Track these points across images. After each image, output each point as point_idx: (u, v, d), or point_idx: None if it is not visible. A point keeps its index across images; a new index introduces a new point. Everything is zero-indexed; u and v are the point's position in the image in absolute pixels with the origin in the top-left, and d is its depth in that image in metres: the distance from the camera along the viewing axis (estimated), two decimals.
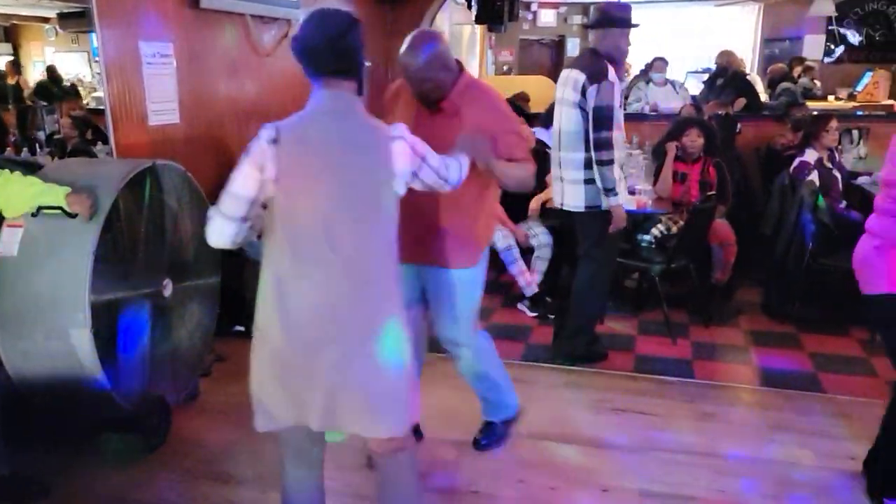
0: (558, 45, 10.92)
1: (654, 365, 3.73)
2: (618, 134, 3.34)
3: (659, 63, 8.11)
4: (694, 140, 4.54)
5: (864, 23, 10.80)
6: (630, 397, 3.33)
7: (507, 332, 4.17)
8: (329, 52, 1.75)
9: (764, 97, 8.38)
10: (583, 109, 3.30)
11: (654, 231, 4.44)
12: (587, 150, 3.33)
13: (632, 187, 4.56)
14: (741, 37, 11.16)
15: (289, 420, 1.84)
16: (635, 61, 8.97)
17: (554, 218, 4.24)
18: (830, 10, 8.63)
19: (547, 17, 10.35)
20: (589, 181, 3.36)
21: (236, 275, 3.42)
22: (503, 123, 2.40)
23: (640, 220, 4.58)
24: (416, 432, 2.81)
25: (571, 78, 3.37)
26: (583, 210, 3.42)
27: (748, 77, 6.77)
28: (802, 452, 2.85)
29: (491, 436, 2.88)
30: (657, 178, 4.65)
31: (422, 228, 2.39)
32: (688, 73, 9.30)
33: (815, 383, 3.53)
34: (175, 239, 3.03)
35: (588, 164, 3.34)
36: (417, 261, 2.45)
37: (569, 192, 3.46)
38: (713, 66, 7.60)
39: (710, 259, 4.42)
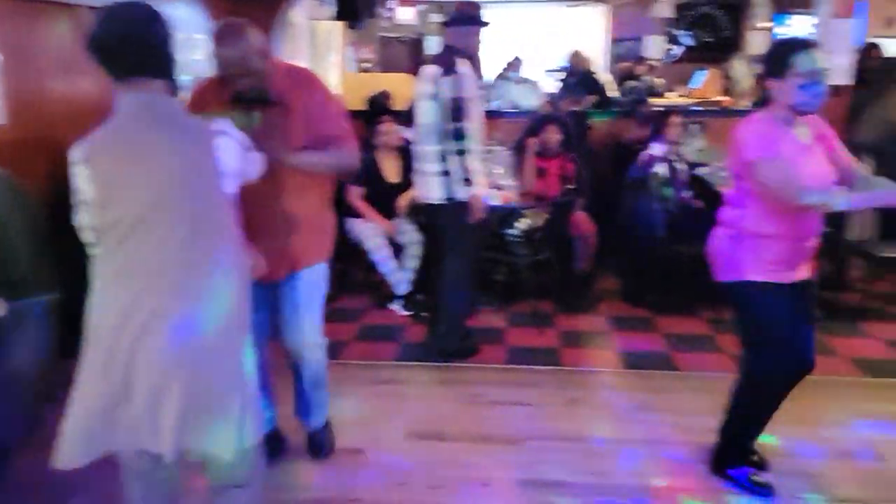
0: (418, 42, 10.98)
1: (525, 355, 3.84)
2: (476, 126, 3.39)
3: (516, 62, 8.40)
4: (553, 136, 4.71)
5: (696, 25, 11.73)
6: (504, 389, 3.40)
7: (379, 333, 4.13)
8: (128, 50, 1.61)
9: (615, 94, 8.90)
10: (437, 101, 3.35)
11: (520, 225, 4.56)
12: (442, 141, 3.37)
13: (497, 183, 4.66)
14: (594, 36, 11.77)
15: (123, 445, 1.70)
16: (498, 60, 9.23)
17: (422, 214, 4.25)
18: (669, 13, 9.28)
19: (406, 15, 10.35)
20: (446, 173, 3.40)
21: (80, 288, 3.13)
22: (327, 105, 2.37)
23: (506, 215, 4.71)
24: (280, 442, 2.72)
25: (427, 72, 3.43)
26: (441, 202, 3.45)
27: (595, 76, 7.11)
28: (665, 430, 3.03)
29: (329, 438, 2.80)
30: (519, 173, 4.79)
31: (267, 240, 2.26)
32: (546, 71, 9.66)
33: (670, 362, 3.77)
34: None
35: (444, 156, 3.38)
36: (268, 278, 2.30)
37: (428, 185, 3.50)
38: (567, 65, 7.97)
39: (573, 250, 4.61)
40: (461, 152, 3.34)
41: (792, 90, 2.21)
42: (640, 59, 10.47)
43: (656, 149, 4.84)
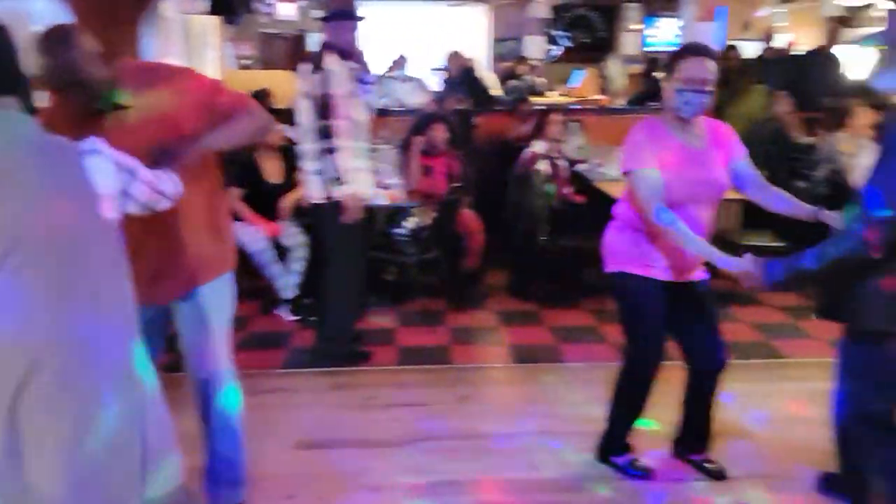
0: (300, 39, 10.72)
1: (417, 355, 3.82)
2: (347, 123, 3.30)
3: (401, 60, 8.38)
4: (439, 135, 4.72)
5: (573, 26, 12.16)
6: (395, 391, 3.36)
7: (266, 341, 3.99)
8: None
9: (498, 93, 9.06)
10: (309, 98, 3.28)
11: (408, 224, 4.54)
12: (316, 140, 3.31)
13: (383, 182, 4.61)
14: (476, 36, 11.94)
15: None
16: (385, 58, 9.17)
17: (307, 216, 4.13)
18: (546, 13, 9.55)
19: (287, 11, 10.09)
20: (323, 172, 3.33)
21: None
22: (204, 87, 2.07)
23: (393, 214, 4.68)
24: None
25: (302, 69, 3.35)
26: (320, 202, 3.39)
27: (475, 75, 7.19)
28: (554, 422, 3.10)
29: None
30: (406, 172, 4.76)
31: (157, 257, 2.04)
32: (432, 69, 9.70)
33: (557, 355, 3.87)
34: None
35: (320, 155, 3.32)
36: (163, 299, 2.11)
37: (309, 185, 3.42)
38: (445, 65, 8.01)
39: (461, 247, 4.63)
40: (331, 150, 3.26)
41: (672, 94, 2.29)
42: (522, 59, 10.73)
43: (538, 146, 4.96)
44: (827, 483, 2.56)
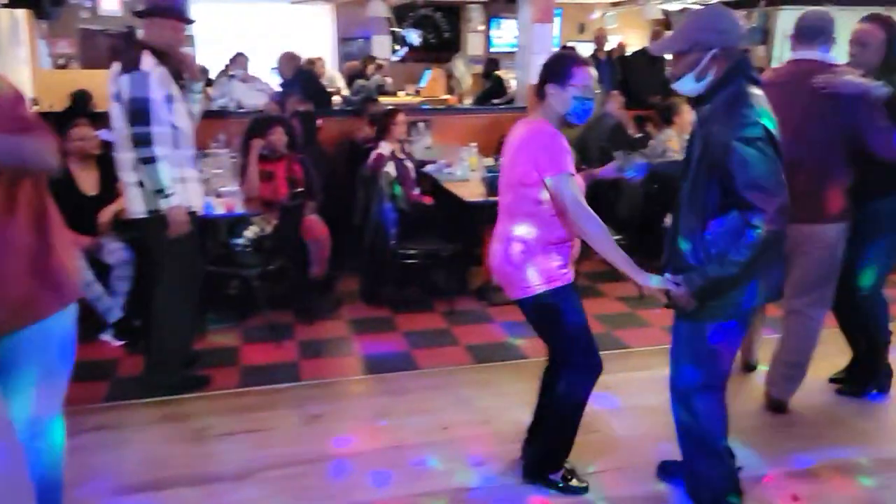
0: (128, 36, 9.91)
1: (262, 374, 3.56)
2: (167, 130, 3.01)
3: (241, 59, 7.94)
4: (279, 138, 4.46)
5: (419, 26, 12.18)
6: (236, 417, 3.10)
7: (87, 371, 3.53)
8: None
9: (346, 93, 8.86)
10: (121, 103, 2.97)
11: (248, 233, 4.25)
12: (134, 148, 2.99)
13: (218, 190, 4.28)
14: (321, 35, 11.65)
15: None
16: (221, 57, 8.67)
17: (131, 230, 3.74)
18: (383, 12, 9.46)
19: (109, 5, 9.29)
20: (143, 183, 3.03)
21: None
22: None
23: (232, 224, 4.36)
24: None
25: (112, 70, 3.01)
26: (144, 216, 3.08)
27: (311, 75, 6.94)
28: (407, 434, 2.98)
29: None
30: (243, 178, 4.46)
31: None
32: (272, 69, 9.30)
33: (411, 361, 3.76)
34: None
35: (138, 165, 3.00)
36: None
37: (129, 198, 3.11)
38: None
39: (307, 256, 4.41)
40: (148, 160, 2.95)
41: (568, 99, 2.25)
42: (370, 59, 10.60)
43: (384, 148, 4.83)
44: (667, 470, 2.63)
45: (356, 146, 5.84)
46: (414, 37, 11.82)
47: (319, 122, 5.61)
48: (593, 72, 2.31)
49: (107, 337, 3.87)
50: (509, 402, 3.19)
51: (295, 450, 2.84)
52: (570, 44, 11.71)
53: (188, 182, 3.17)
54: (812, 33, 2.88)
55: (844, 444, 2.91)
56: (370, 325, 4.27)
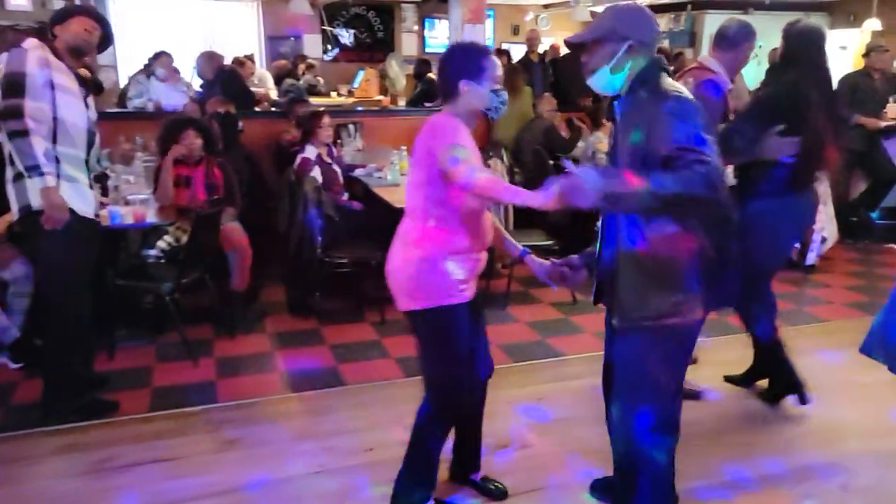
0: (41, 31, 9.36)
1: (175, 396, 3.32)
2: (45, 109, 2.76)
3: (164, 58, 7.56)
4: (192, 141, 4.21)
5: (351, 25, 11.96)
6: (143, 446, 2.86)
7: None
8: None
9: (274, 93, 8.56)
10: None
11: (161, 244, 4.00)
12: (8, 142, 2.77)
13: (126, 197, 4.00)
14: (247, 33, 11.28)
15: None
16: (140, 55, 8.27)
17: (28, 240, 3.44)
18: (305, 9, 9.22)
19: (19, 0, 8.76)
20: (18, 177, 2.79)
21: None
22: None
23: (146, 234, 4.10)
24: None
25: None
26: (20, 215, 2.85)
27: (233, 75, 6.66)
28: (328, 458, 2.81)
29: None
30: (158, 184, 4.19)
31: None
32: (193, 69, 8.93)
33: (337, 376, 3.58)
34: None
35: (11, 158, 2.79)
36: None
37: (11, 199, 2.87)
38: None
39: (226, 266, 4.17)
40: (17, 133, 2.71)
41: (485, 94, 2.15)
42: (301, 58, 10.32)
43: (310, 151, 4.64)
44: (599, 489, 2.55)
45: (282, 149, 5.61)
46: (346, 36, 11.60)
47: (241, 124, 5.36)
48: (497, 60, 2.21)
49: (2, 359, 3.55)
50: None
51: (207, 479, 2.63)
52: (504, 45, 11.73)
53: (79, 185, 2.92)
54: (717, 39, 3.06)
55: (770, 454, 2.89)
56: (295, 338, 4.07)
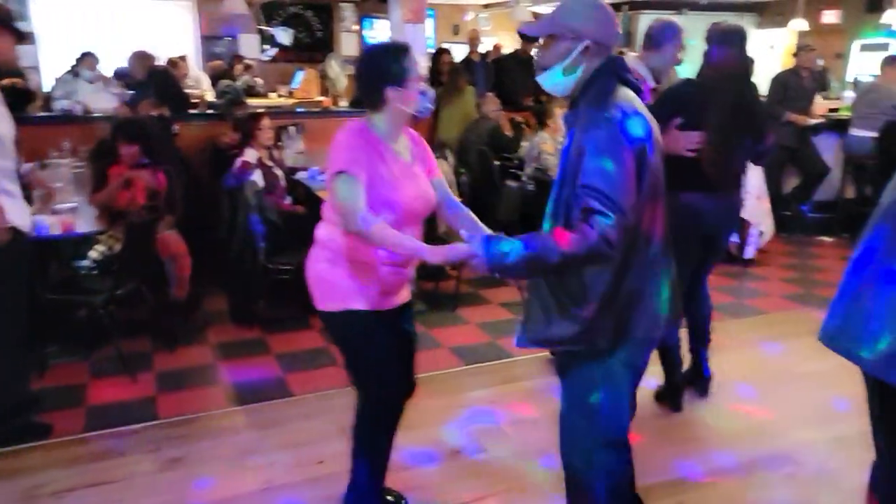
0: None
1: (112, 414, 3.16)
2: None
3: (89, 59, 7.26)
4: (130, 146, 4.03)
5: (289, 24, 11.74)
6: (78, 469, 2.71)
7: None
8: None
9: (210, 95, 8.32)
10: None
11: (93, 254, 3.81)
12: None
13: (53, 207, 3.79)
14: (182, 33, 10.94)
15: None
16: (65, 55, 7.91)
17: None
18: (241, 8, 9.00)
19: None
20: None
21: None
22: None
23: (75, 244, 3.89)
24: None
25: None
26: None
27: (167, 76, 6.44)
28: (278, 472, 2.72)
29: None
30: (95, 188, 4.00)
31: None
32: (117, 70, 8.61)
33: (284, 387, 3.48)
34: None
35: None
36: None
37: None
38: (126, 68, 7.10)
39: (164, 276, 4.01)
40: None
41: (415, 96, 2.05)
42: (238, 58, 10.07)
43: (250, 154, 4.50)
44: None
45: (220, 152, 5.44)
46: (284, 36, 11.38)
47: (176, 127, 5.17)
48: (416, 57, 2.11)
49: None
50: (410, 423, 2.97)
51: (149, 502, 2.51)
52: (444, 45, 11.71)
53: (17, 199, 2.76)
54: (644, 39, 3.10)
55: (718, 448, 2.94)
56: (239, 348, 3.94)
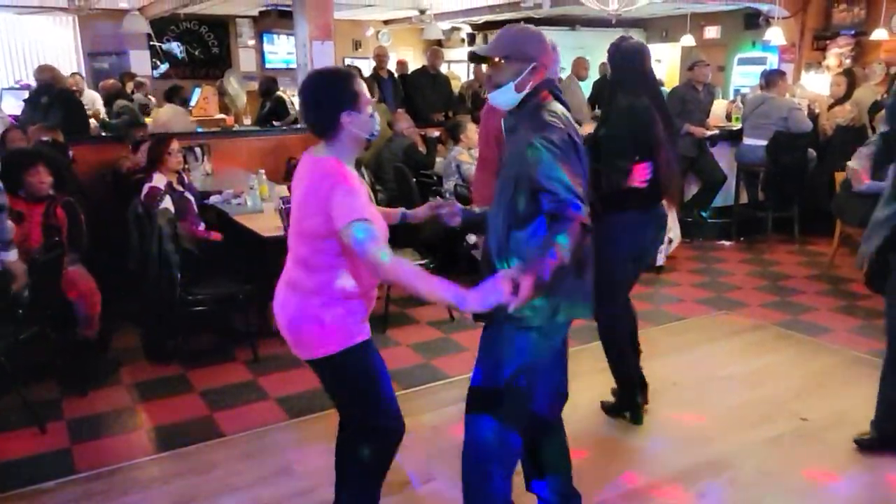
0: None
1: (20, 472, 2.87)
2: None
3: None
4: (43, 179, 3.72)
5: (183, 40, 11.29)
6: None
7: None
8: None
9: (103, 114, 7.84)
10: None
11: None
12: None
13: None
14: (62, 49, 10.29)
15: None
16: None
17: None
18: (144, 27, 8.59)
19: None
20: None
21: None
22: None
23: None
24: None
25: None
26: None
27: (72, 94, 6.05)
28: None
29: None
30: None
31: None
32: (2, 89, 7.99)
33: (213, 427, 3.27)
34: None
35: None
36: None
37: None
38: (33, 82, 6.62)
39: (70, 315, 3.70)
40: None
41: (367, 120, 2.02)
42: (129, 75, 9.58)
43: (159, 180, 4.25)
44: None
45: (121, 177, 5.12)
46: (177, 51, 10.93)
47: (71, 152, 4.82)
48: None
49: None
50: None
51: None
52: (346, 60, 11.60)
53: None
54: None
55: (657, 459, 3.02)
56: (158, 387, 3.69)
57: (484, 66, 2.20)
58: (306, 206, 1.99)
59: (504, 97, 2.04)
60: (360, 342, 2.09)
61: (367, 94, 2.04)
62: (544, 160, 1.88)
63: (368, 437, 2.20)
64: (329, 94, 2.00)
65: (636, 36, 12.31)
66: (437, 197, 5.38)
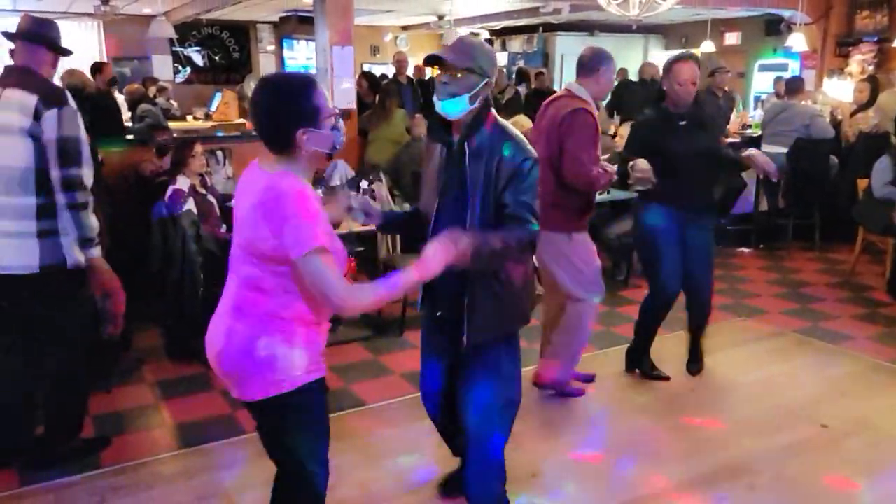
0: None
1: (49, 469, 2.92)
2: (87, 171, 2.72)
3: None
4: None
5: (205, 46, 11.44)
6: None
7: None
8: None
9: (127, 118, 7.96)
10: (35, 139, 2.58)
11: None
12: (41, 192, 2.63)
13: None
14: (87, 54, 10.46)
15: None
16: None
17: None
18: (170, 32, 8.72)
19: None
20: (46, 233, 2.67)
21: None
22: None
23: None
24: None
25: (13, 99, 2.58)
26: (35, 272, 2.67)
27: (105, 97, 6.15)
28: None
29: None
30: None
31: None
32: None
33: (234, 425, 3.32)
34: None
35: (45, 212, 2.65)
36: None
37: (6, 251, 2.63)
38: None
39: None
40: (81, 206, 2.69)
41: (328, 135, 1.77)
42: (152, 80, 9.72)
43: (182, 182, 4.31)
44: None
45: (144, 180, 5.20)
46: (198, 57, 11.08)
47: (100, 156, 4.90)
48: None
49: None
50: (369, 455, 2.90)
51: None
52: (365, 66, 11.70)
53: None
54: (577, 67, 3.28)
55: (677, 462, 3.02)
56: (181, 385, 3.75)
57: (437, 71, 2.13)
58: (256, 227, 1.70)
59: (457, 107, 2.09)
60: (315, 379, 1.85)
61: (329, 106, 1.77)
62: (531, 180, 2.09)
63: (296, 483, 1.98)
64: (283, 108, 1.72)
65: (655, 42, 12.35)
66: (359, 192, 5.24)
